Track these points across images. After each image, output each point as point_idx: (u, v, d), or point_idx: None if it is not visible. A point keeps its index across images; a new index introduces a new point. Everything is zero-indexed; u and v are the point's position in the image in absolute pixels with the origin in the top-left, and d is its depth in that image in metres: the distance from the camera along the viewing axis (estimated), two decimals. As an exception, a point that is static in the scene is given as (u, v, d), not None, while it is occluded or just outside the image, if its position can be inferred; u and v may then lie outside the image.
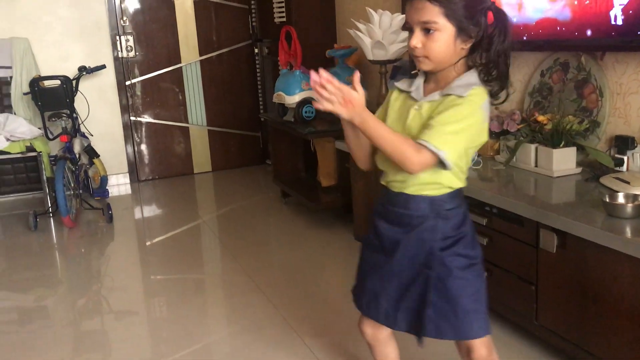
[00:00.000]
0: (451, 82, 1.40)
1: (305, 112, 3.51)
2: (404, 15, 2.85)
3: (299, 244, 3.39)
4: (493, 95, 1.43)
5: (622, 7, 2.02)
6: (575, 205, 1.97)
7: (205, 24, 4.95)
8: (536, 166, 2.30)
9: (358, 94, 1.29)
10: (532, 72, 2.61)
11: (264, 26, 4.76)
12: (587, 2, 2.15)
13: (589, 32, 2.17)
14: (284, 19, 4.22)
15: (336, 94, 1.27)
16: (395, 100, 1.53)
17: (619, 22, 2.04)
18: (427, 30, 1.36)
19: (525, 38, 2.45)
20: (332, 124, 3.47)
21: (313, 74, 1.27)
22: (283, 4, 4.21)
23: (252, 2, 4.93)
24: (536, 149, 2.29)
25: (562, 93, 2.45)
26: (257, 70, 5.12)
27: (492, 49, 1.37)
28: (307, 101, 3.51)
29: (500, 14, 1.39)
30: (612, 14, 2.06)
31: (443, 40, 1.36)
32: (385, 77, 3.03)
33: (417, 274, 1.47)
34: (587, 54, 2.32)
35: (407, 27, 1.40)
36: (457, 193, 1.47)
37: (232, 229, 3.77)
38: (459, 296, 1.44)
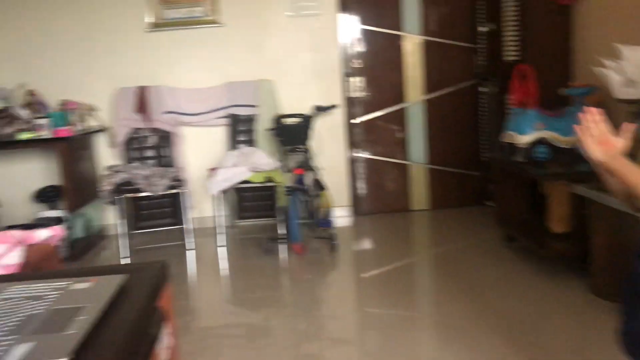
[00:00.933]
0: None
1: (539, 152, 3.33)
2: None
3: (522, 294, 3.17)
4: None
5: None
6: None
7: (430, 65, 5.02)
8: None
9: (620, 141, 1.23)
10: None
11: (491, 65, 4.67)
12: None
13: None
14: (516, 57, 4.08)
15: (596, 131, 1.21)
16: None
17: None
18: None
19: None
20: (567, 167, 3.24)
21: (584, 117, 1.28)
22: (516, 43, 4.09)
23: (479, 41, 4.88)
24: None
25: None
26: (480, 109, 5.02)
27: None
28: (540, 142, 3.33)
29: None
30: None
31: None
32: (634, 117, 2.74)
33: None
34: None
35: None
36: None
37: (448, 270, 3.69)
38: None
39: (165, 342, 1.15)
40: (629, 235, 1.40)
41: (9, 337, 0.92)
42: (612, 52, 2.83)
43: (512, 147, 3.53)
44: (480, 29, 4.76)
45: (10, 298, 1.10)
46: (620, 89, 2.64)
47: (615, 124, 3.45)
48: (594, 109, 1.24)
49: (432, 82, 5.04)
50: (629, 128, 1.24)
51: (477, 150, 5.08)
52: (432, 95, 5.05)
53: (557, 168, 3.22)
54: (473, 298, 3.16)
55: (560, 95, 3.69)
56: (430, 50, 5.00)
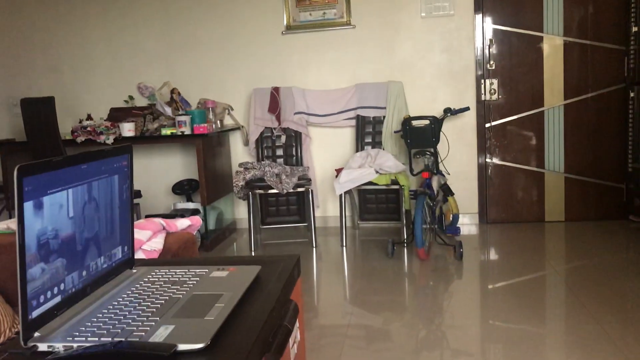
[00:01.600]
0: None
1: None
2: None
3: (672, 319, 2.87)
4: None
5: None
6: None
7: (573, 67, 4.72)
8: None
9: None
10: None
11: (643, 68, 4.29)
12: None
13: None
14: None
15: None
16: None
17: None
18: None
19: None
20: None
21: None
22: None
23: (632, 42, 4.49)
24: None
25: None
26: (630, 115, 4.62)
27: None
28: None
29: None
30: None
31: None
32: None
33: None
34: None
35: None
36: None
37: (584, 287, 3.43)
38: None
39: (297, 337, 1.17)
40: None
41: (152, 318, 0.97)
42: None
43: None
44: (635, 29, 4.39)
45: (154, 281, 1.17)
46: None
47: None
48: None
49: (573, 85, 4.73)
50: None
51: (623, 160, 4.69)
52: (573, 99, 4.74)
53: None
54: (609, 318, 2.91)
55: None
56: (572, 52, 4.70)
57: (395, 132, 4.53)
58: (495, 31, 4.78)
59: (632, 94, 4.56)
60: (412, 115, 4.55)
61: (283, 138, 4.92)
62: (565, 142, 4.80)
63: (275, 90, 4.89)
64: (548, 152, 4.83)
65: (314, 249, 4.36)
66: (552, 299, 3.40)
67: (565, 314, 3.18)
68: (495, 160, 4.91)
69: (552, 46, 4.72)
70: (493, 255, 4.39)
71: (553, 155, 4.83)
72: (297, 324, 1.19)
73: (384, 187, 4.36)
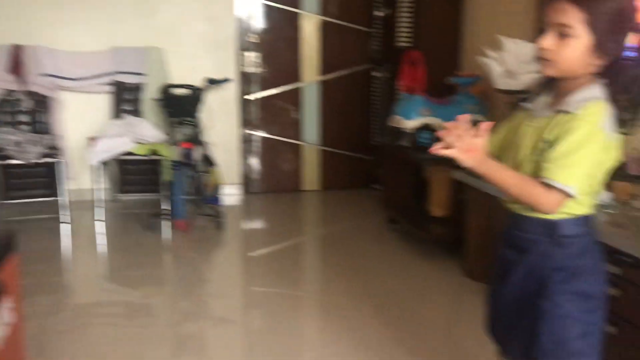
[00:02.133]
0: (569, 96, 1.30)
1: (423, 138, 3.43)
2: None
3: (403, 273, 3.28)
4: (623, 124, 1.31)
5: None
6: None
7: (327, 46, 5.01)
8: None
9: (482, 143, 1.26)
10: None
11: (385, 50, 4.74)
12: None
13: None
14: (408, 44, 4.16)
15: (459, 145, 1.24)
16: (517, 118, 1.47)
17: None
18: (562, 34, 1.27)
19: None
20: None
21: (442, 133, 1.27)
22: (409, 29, 4.17)
23: (375, 25, 4.93)
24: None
25: None
26: (374, 93, 5.10)
27: (628, 72, 1.28)
28: (425, 127, 3.42)
29: None
30: None
31: (576, 49, 1.26)
32: (511, 107, 2.89)
33: (528, 303, 1.38)
34: None
35: (541, 27, 1.32)
36: (580, 220, 1.35)
37: (336, 250, 3.73)
38: (568, 338, 1.34)
39: (4, 317, 1.03)
40: (498, 221, 1.46)
41: None
42: (497, 43, 2.95)
43: (399, 132, 3.61)
44: (377, 13, 4.81)
45: None
46: (501, 80, 2.76)
47: (496, 114, 3.61)
48: (461, 117, 1.25)
49: (328, 63, 5.04)
50: (486, 126, 1.27)
51: (369, 134, 5.16)
52: (328, 76, 5.06)
53: (441, 153, 3.33)
54: (356, 278, 3.21)
55: (447, 83, 3.81)
56: (328, 31, 4.99)
57: (154, 100, 4.35)
58: (256, 4, 4.84)
59: (374, 73, 5.02)
60: (173, 83, 4.41)
61: (27, 102, 4.40)
62: (321, 116, 5.11)
63: (17, 48, 4.34)
64: (306, 126, 5.10)
65: (65, 224, 4.01)
66: (308, 263, 3.64)
67: (317, 276, 3.43)
68: (256, 132, 5.03)
69: (310, 24, 4.95)
70: (254, 224, 4.53)
71: (310, 129, 5.11)
72: (6, 305, 1.06)
73: (144, 158, 4.18)
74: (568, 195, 1.26)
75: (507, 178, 1.30)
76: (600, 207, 2.27)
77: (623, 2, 1.27)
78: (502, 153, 1.46)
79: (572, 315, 1.34)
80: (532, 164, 1.34)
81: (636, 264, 1.90)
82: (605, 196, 2.34)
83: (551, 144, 1.29)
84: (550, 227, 1.34)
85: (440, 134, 1.27)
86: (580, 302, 1.34)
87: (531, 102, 1.44)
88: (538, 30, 1.35)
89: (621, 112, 1.30)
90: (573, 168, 1.25)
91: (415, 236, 3.69)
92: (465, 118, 1.28)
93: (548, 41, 1.29)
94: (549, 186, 1.26)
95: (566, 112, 1.29)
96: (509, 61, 2.72)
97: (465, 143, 1.24)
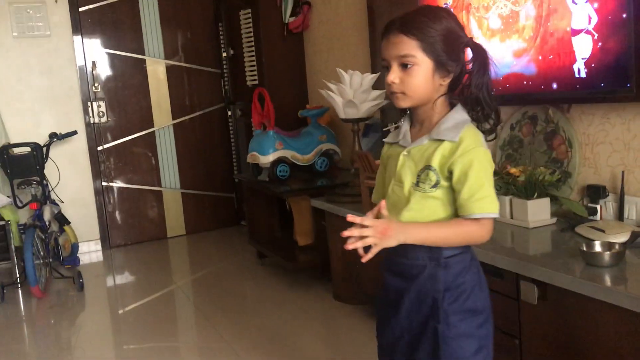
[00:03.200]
0: (437, 125, 1.37)
1: (280, 171, 3.51)
2: (374, 75, 2.91)
3: (277, 307, 3.30)
4: (488, 132, 1.41)
5: (584, 60, 2.10)
6: (553, 255, 1.97)
7: (177, 89, 5.00)
8: (512, 218, 2.30)
9: (387, 219, 1.30)
10: (502, 125, 2.66)
11: (236, 89, 4.82)
12: (551, 57, 2.22)
13: (554, 86, 2.23)
14: (256, 82, 4.27)
15: (372, 234, 1.27)
16: (387, 156, 1.50)
17: (583, 75, 2.11)
18: (404, 65, 1.34)
19: (493, 93, 2.50)
20: (306, 182, 3.48)
21: (346, 233, 1.28)
22: (254, 67, 4.28)
23: (225, 66, 5.01)
24: (510, 200, 2.30)
25: (532, 145, 2.49)
26: (231, 132, 5.14)
27: (472, 83, 1.36)
28: (281, 160, 3.52)
29: (478, 49, 1.38)
30: (575, 67, 2.13)
31: (421, 75, 1.33)
32: (357, 135, 3.06)
33: (423, 328, 1.39)
34: (554, 107, 2.38)
35: (384, 64, 1.38)
36: None
37: (208, 294, 3.67)
38: (467, 356, 1.38)
39: None
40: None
41: None
42: (336, 76, 3.12)
43: (257, 167, 3.67)
44: (224, 54, 4.89)
45: None
46: (343, 110, 2.92)
47: (345, 142, 3.78)
48: (349, 217, 1.28)
49: (180, 106, 5.02)
50: (382, 205, 1.32)
51: (231, 172, 5.18)
52: (181, 119, 5.03)
53: (298, 184, 3.44)
54: (231, 320, 3.19)
55: (299, 116, 3.96)
56: (176, 75, 4.98)
57: (-7, 162, 4.05)
58: (98, 53, 4.72)
59: (229, 112, 5.08)
60: (14, 142, 4.14)
61: None
62: (178, 159, 5.04)
63: None
64: (163, 171, 5.00)
65: None
66: (181, 311, 3.54)
67: (193, 322, 3.35)
68: (113, 183, 4.85)
69: (156, 69, 4.90)
70: (119, 279, 4.33)
71: (168, 173, 5.03)
72: None
73: (-14, 225, 3.86)
74: (494, 219, 1.34)
75: (437, 233, 1.33)
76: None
77: (449, 21, 1.35)
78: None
79: (467, 333, 1.37)
80: (420, 193, 1.37)
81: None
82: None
83: (443, 173, 1.33)
84: (434, 251, 1.36)
85: (346, 234, 1.28)
86: (471, 318, 1.38)
87: (394, 136, 1.49)
88: (381, 67, 1.40)
89: (483, 122, 1.40)
90: (491, 195, 1.32)
91: (285, 267, 3.75)
92: (352, 218, 1.29)
93: (393, 75, 1.35)
94: (479, 220, 1.31)
95: (443, 141, 1.34)
96: (348, 92, 2.89)
97: (375, 230, 1.26)
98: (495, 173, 2.44)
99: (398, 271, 1.43)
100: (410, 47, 1.33)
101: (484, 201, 1.31)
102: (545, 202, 2.24)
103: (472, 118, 1.39)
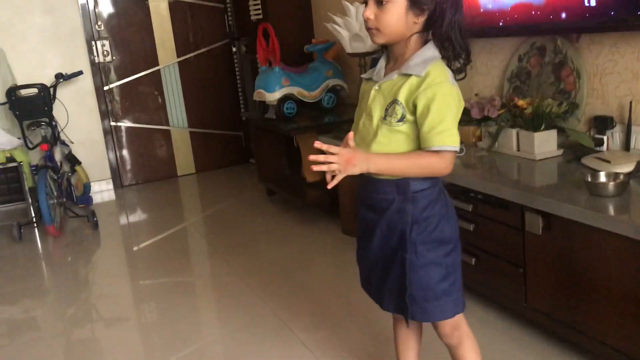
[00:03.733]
0: (407, 60, 1.41)
1: (287, 108, 3.51)
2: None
3: (287, 242, 3.38)
4: (459, 71, 1.44)
5: (594, -12, 2.05)
6: (559, 186, 1.99)
7: (181, 25, 4.92)
8: (518, 150, 2.31)
9: (352, 149, 1.35)
10: (510, 57, 2.63)
11: (240, 24, 4.74)
12: (560, -15, 2.17)
13: (563, 15, 2.19)
14: (261, 17, 4.20)
15: (337, 161, 1.32)
16: (363, 91, 1.56)
17: (592, 3, 2.06)
18: (379, 2, 1.37)
19: (501, 24, 2.46)
20: (314, 119, 3.47)
21: (312, 157, 1.33)
22: (259, 2, 4.20)
23: (228, 1, 4.91)
24: (517, 133, 2.31)
25: (540, 77, 2.47)
26: (236, 69, 5.10)
27: (444, 22, 1.38)
28: (287, 97, 3.50)
29: None
30: (585, -5, 2.08)
31: (395, 12, 1.37)
32: (364, 69, 3.03)
33: (393, 256, 1.49)
34: (562, 37, 2.35)
35: (363, 0, 1.42)
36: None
37: (219, 230, 3.76)
38: (432, 283, 1.46)
39: None
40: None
41: None
42: (342, 9, 3.07)
43: (264, 105, 3.67)
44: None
45: None
46: (350, 44, 2.88)
47: (352, 77, 3.75)
48: (316, 144, 1.34)
49: (184, 43, 4.96)
50: (350, 136, 1.37)
51: (238, 110, 5.17)
52: (186, 57, 4.98)
53: (305, 121, 3.44)
54: (242, 255, 3.27)
55: (304, 51, 3.91)
56: (179, 11, 4.89)
57: (1, 104, 4.06)
58: (99, -10, 4.63)
59: (234, 49, 5.02)
60: (20, 84, 4.14)
61: None
62: (185, 98, 5.03)
63: None
64: (170, 109, 5.00)
65: None
66: (193, 248, 3.63)
67: (205, 258, 3.44)
68: (121, 123, 4.87)
69: (158, 5, 4.82)
70: (132, 217, 4.42)
71: (175, 111, 5.03)
72: None
73: (0, 167, 3.92)
74: (455, 152, 1.38)
75: (399, 164, 1.39)
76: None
77: None
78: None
79: (434, 261, 1.45)
80: (386, 126, 1.42)
81: (485, 199, 2.13)
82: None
83: (408, 107, 1.38)
84: (402, 186, 1.43)
85: (312, 158, 1.33)
86: (438, 248, 1.46)
87: (370, 72, 1.54)
88: (362, 2, 1.43)
89: (453, 61, 1.42)
90: (452, 129, 1.37)
91: (294, 204, 3.81)
92: (319, 144, 1.34)
93: (369, 11, 1.39)
94: (439, 152, 1.36)
95: (410, 76, 1.38)
96: (355, 25, 2.85)
97: (340, 157, 1.32)
98: (502, 105, 2.44)
99: (369, 205, 1.51)
100: None
101: (444, 134, 1.36)
102: (552, 133, 2.24)
103: (442, 56, 1.42)
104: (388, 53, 1.50)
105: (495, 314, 2.30)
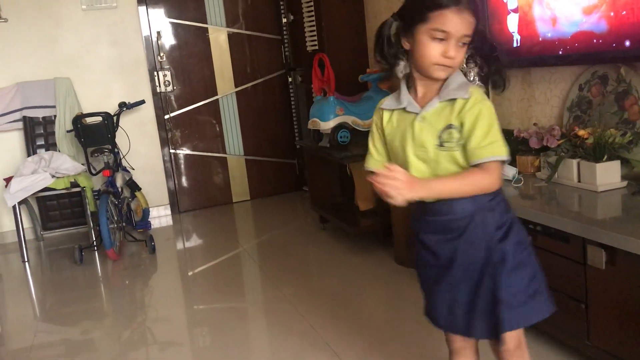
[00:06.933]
0: (443, 88, 1.42)
1: (340, 137, 3.53)
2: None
3: (340, 270, 3.36)
4: (496, 87, 1.51)
5: (660, 15, 1.98)
6: (623, 219, 1.91)
7: (239, 56, 5.05)
8: (579, 181, 2.24)
9: (402, 175, 1.33)
10: (570, 86, 2.57)
11: (296, 55, 4.83)
12: (624, 12, 2.12)
13: (627, 43, 2.13)
14: (317, 47, 4.27)
15: (400, 180, 1.31)
16: (388, 122, 1.52)
17: (658, 30, 2.00)
18: (462, 43, 1.39)
19: (560, 52, 2.41)
20: (367, 148, 3.47)
21: (378, 176, 1.33)
22: (315, 33, 4.27)
23: (285, 32, 5.02)
24: (578, 163, 2.24)
25: (602, 106, 2.40)
26: (292, 98, 5.18)
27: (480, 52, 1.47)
28: (341, 126, 3.52)
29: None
30: (650, 23, 2.02)
31: (465, 51, 1.42)
32: (419, 98, 3.03)
33: (482, 272, 1.45)
34: (626, 65, 2.28)
35: (438, 36, 1.36)
36: None
37: (273, 257, 3.77)
38: (524, 284, 1.45)
39: None
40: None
41: None
42: (397, 39, 3.08)
43: (318, 133, 3.70)
44: (284, 19, 4.90)
45: None
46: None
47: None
48: (386, 165, 1.33)
49: (242, 73, 5.08)
50: (392, 166, 1.34)
51: (292, 138, 5.24)
52: (244, 86, 5.10)
53: (359, 150, 3.44)
54: (295, 282, 3.27)
55: (359, 81, 3.94)
56: (238, 43, 5.03)
57: (68, 131, 4.26)
58: (162, 23, 4.82)
59: (290, 79, 5.11)
60: (85, 112, 4.33)
61: None
62: (241, 126, 5.14)
63: None
64: (227, 138, 5.12)
65: (-9, 271, 3.87)
66: (247, 274, 3.66)
67: (258, 284, 3.46)
68: (180, 150, 5.01)
69: (218, 37, 4.97)
70: (188, 243, 4.50)
71: (232, 140, 5.14)
72: None
73: (64, 192, 4.08)
74: (503, 162, 1.40)
75: (449, 186, 1.40)
76: (508, 181, 2.44)
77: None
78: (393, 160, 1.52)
79: (522, 262, 1.45)
80: (446, 152, 1.41)
81: (544, 231, 2.06)
82: (512, 171, 2.51)
83: (460, 128, 1.39)
84: (479, 199, 1.43)
85: (377, 177, 1.32)
86: (522, 249, 1.46)
87: (391, 103, 1.51)
88: (430, 37, 1.37)
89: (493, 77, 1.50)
90: (499, 140, 1.38)
91: (346, 232, 3.79)
92: (389, 166, 1.34)
93: (455, 51, 1.38)
94: (487, 167, 1.37)
95: (455, 100, 1.39)
96: (410, 55, 2.85)
97: (391, 185, 1.31)
98: (562, 135, 2.37)
99: (442, 229, 1.48)
100: (472, 27, 1.39)
101: (494, 145, 1.38)
102: (616, 164, 2.16)
103: (481, 76, 1.51)
104: (408, 82, 1.49)
105: (556, 351, 2.21)
